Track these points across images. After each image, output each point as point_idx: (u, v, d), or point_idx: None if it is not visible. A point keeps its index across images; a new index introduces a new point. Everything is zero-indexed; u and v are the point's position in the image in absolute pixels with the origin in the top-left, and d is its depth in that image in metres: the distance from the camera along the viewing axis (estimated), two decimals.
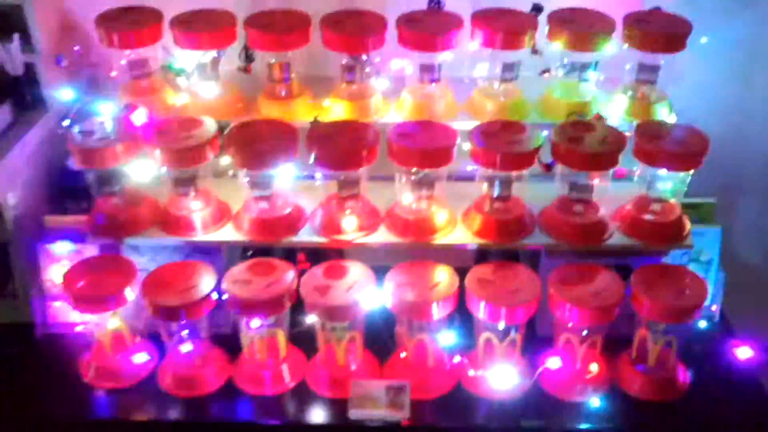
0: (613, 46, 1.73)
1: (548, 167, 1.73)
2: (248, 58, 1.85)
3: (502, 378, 1.66)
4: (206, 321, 1.69)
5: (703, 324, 1.83)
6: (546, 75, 1.83)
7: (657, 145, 1.60)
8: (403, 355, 1.70)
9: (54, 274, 1.80)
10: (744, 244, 1.98)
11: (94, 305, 1.63)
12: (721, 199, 1.86)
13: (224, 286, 1.63)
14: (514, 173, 1.66)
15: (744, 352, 1.74)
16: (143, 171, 1.67)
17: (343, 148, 1.61)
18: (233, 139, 1.63)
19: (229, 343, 1.76)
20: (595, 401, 1.66)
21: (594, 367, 1.68)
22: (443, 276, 1.64)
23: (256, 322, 1.64)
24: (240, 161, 1.61)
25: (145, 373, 1.73)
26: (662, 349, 1.67)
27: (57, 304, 1.83)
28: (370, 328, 1.70)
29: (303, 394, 1.70)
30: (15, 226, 1.79)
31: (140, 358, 1.73)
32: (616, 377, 1.70)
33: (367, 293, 1.61)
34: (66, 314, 1.82)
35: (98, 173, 1.68)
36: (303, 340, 1.73)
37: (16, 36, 1.82)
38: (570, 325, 1.63)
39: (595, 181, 1.68)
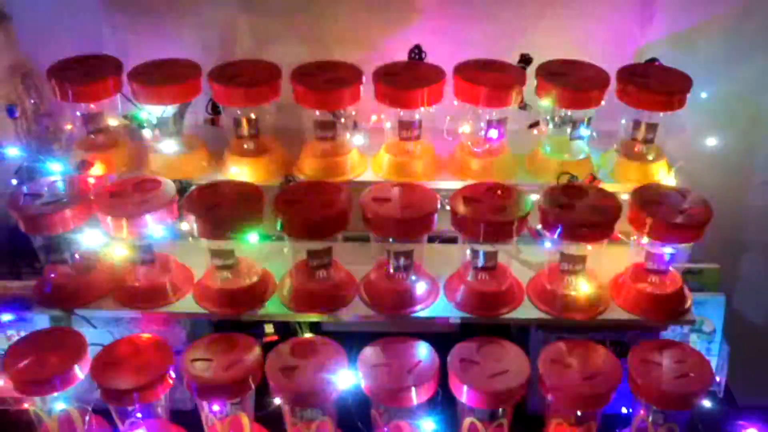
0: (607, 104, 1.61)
1: (538, 233, 1.60)
2: (215, 110, 1.71)
3: None
4: (165, 399, 1.55)
5: (707, 404, 1.69)
6: (535, 131, 1.70)
7: (655, 215, 1.46)
8: None
9: None
10: (748, 311, 1.85)
11: (38, 387, 1.48)
12: (724, 262, 1.73)
13: (183, 366, 1.48)
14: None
15: None
16: (95, 238, 1.53)
17: (312, 215, 1.47)
18: (193, 204, 1.49)
19: (190, 420, 1.62)
20: None
21: None
22: (423, 354, 1.50)
23: (217, 407, 1.49)
24: (200, 230, 1.47)
25: None
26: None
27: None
28: (342, 410, 1.55)
29: None
30: None
31: None
32: None
33: (339, 375, 1.46)
34: (9, 391, 1.66)
35: (46, 239, 1.54)
36: (270, 422, 1.58)
37: None
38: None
39: (588, 248, 1.54)
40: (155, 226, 1.48)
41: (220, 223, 1.46)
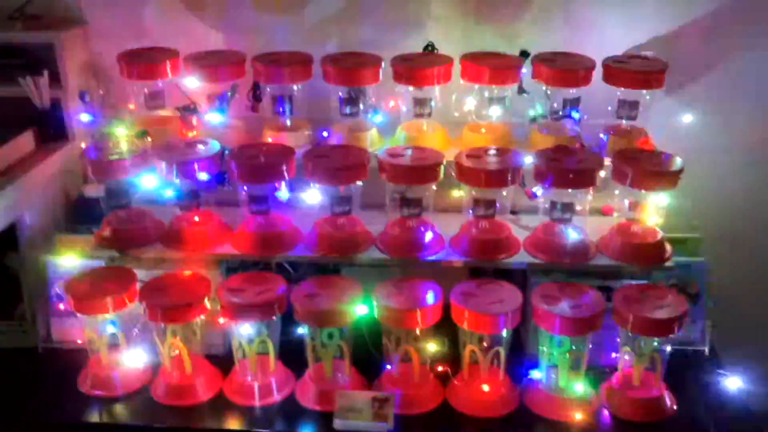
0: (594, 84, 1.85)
1: (533, 196, 1.82)
2: (256, 97, 1.99)
3: (486, 393, 1.68)
4: (200, 334, 1.75)
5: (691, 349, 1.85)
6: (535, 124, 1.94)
7: (635, 166, 1.68)
8: (388, 367, 1.73)
9: (61, 290, 1.88)
10: (730, 279, 2.00)
11: (92, 306, 1.70)
12: (708, 235, 1.92)
13: (219, 293, 1.69)
14: (496, 192, 1.73)
15: (733, 382, 1.74)
16: (150, 181, 1.78)
17: (337, 163, 1.72)
18: (235, 155, 1.75)
19: (222, 364, 1.81)
20: (579, 420, 1.66)
21: (579, 386, 1.69)
22: (429, 289, 1.70)
23: (247, 329, 1.69)
24: (240, 175, 1.72)
25: (138, 385, 1.77)
26: (646, 371, 1.69)
27: (61, 321, 1.90)
28: (359, 349, 1.74)
29: (291, 407, 1.73)
30: (28, 244, 1.90)
31: (135, 369, 1.78)
32: (602, 399, 1.71)
33: (355, 300, 1.66)
34: (69, 331, 1.89)
35: (109, 185, 1.79)
36: (293, 360, 1.77)
37: (45, 72, 1.98)
38: (555, 338, 1.65)
39: (578, 204, 1.75)
40: (201, 174, 1.73)
41: (258, 167, 1.71)
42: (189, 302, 1.68)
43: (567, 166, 1.69)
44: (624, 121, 1.91)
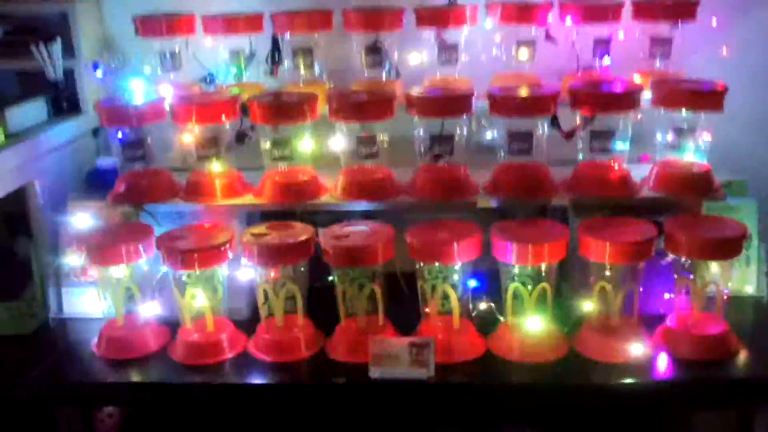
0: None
1: (569, 135, 1.73)
2: (275, 59, 1.92)
3: (533, 337, 1.55)
4: (221, 292, 1.64)
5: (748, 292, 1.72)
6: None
7: (675, 87, 1.60)
8: (426, 311, 1.60)
9: (72, 257, 1.77)
10: None
11: (107, 257, 1.59)
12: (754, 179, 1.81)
13: (243, 238, 1.59)
14: (530, 123, 1.65)
15: None
16: (165, 132, 1.70)
17: (362, 99, 1.64)
18: (256, 99, 1.67)
19: (245, 329, 1.68)
20: (634, 361, 1.52)
21: (632, 327, 1.56)
22: (466, 227, 1.59)
23: (272, 273, 1.58)
24: (262, 116, 1.64)
25: (156, 347, 1.65)
26: (704, 312, 1.56)
27: (72, 292, 1.79)
28: (393, 304, 1.62)
29: (321, 360, 1.59)
30: (39, 212, 1.81)
31: (152, 330, 1.66)
32: (657, 340, 1.58)
33: (386, 238, 1.56)
34: (80, 303, 1.78)
35: (124, 134, 1.72)
36: (322, 297, 1.65)
37: (58, 40, 1.93)
38: (605, 269, 1.53)
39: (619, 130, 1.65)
40: (220, 118, 1.65)
41: (280, 107, 1.63)
42: (210, 246, 1.57)
43: (606, 90, 1.60)
44: (657, 62, 1.84)
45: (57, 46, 1.93)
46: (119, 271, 1.63)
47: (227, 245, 1.59)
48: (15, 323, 1.78)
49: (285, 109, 1.64)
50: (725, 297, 1.57)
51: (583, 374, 1.52)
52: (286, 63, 1.89)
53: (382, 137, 1.68)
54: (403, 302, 1.64)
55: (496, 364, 1.56)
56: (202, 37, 1.89)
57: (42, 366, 1.61)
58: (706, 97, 1.59)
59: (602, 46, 1.83)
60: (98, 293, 1.68)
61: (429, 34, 1.83)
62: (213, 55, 1.92)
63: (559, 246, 1.52)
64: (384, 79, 1.87)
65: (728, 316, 1.58)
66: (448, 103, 1.63)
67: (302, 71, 1.88)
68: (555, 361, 1.55)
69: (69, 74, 1.98)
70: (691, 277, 1.56)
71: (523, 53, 1.84)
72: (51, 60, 1.94)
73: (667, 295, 1.64)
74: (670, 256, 1.56)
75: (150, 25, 1.85)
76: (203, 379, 1.55)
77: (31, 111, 1.89)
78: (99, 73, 1.99)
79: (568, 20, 1.80)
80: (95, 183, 1.92)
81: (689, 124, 1.65)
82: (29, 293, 1.83)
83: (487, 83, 1.88)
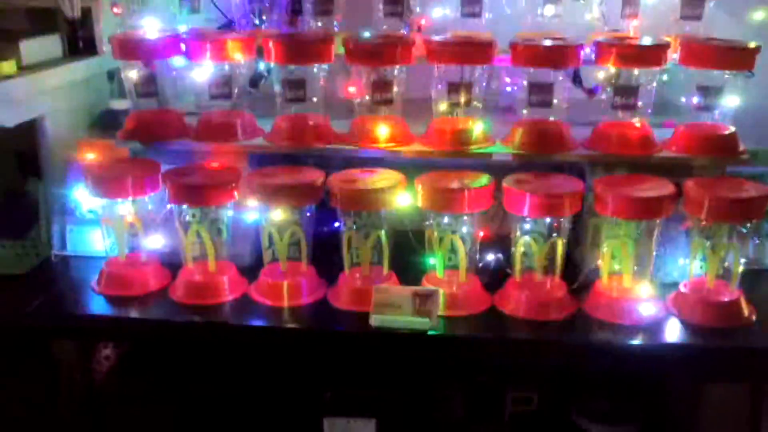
0: None
1: (592, 92, 1.68)
2: (294, 8, 1.87)
3: (542, 294, 1.50)
4: (225, 233, 1.61)
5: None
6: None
7: (704, 44, 1.54)
8: (431, 262, 1.56)
9: (79, 193, 1.75)
10: None
11: (111, 189, 1.57)
12: None
13: (250, 178, 1.55)
14: (552, 74, 1.59)
15: None
16: (180, 61, 1.67)
17: (378, 44, 1.60)
18: (272, 36, 1.63)
19: (248, 274, 1.65)
20: (641, 324, 1.47)
21: (643, 289, 1.51)
22: (478, 177, 1.54)
23: (279, 214, 1.54)
24: (277, 55, 1.60)
25: (157, 285, 1.62)
26: (720, 280, 1.50)
27: (77, 230, 1.77)
28: (399, 256, 1.58)
29: (324, 307, 1.56)
30: (49, 148, 1.79)
31: (154, 269, 1.63)
32: (669, 305, 1.52)
33: (397, 186, 1.51)
34: (85, 241, 1.76)
35: (138, 70, 1.69)
36: (329, 244, 1.62)
37: None
38: (620, 227, 1.48)
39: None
40: (235, 54, 1.62)
41: (297, 46, 1.60)
42: (215, 184, 1.54)
43: (630, 45, 1.55)
44: (688, 26, 1.77)
45: None
46: (124, 207, 1.60)
47: (234, 184, 1.56)
48: (17, 262, 1.77)
49: (300, 47, 1.60)
50: (741, 266, 1.51)
51: (587, 334, 1.47)
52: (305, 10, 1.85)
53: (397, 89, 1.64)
54: (411, 260, 1.60)
55: (501, 320, 1.51)
56: None
57: (40, 299, 1.58)
58: (736, 56, 1.53)
59: (631, 5, 1.76)
60: (102, 230, 1.65)
61: None
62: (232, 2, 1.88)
63: (574, 199, 1.47)
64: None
65: (745, 287, 1.52)
66: (469, 50, 1.58)
67: (320, 23, 1.83)
68: (562, 320, 1.50)
69: (86, 12, 1.96)
70: (708, 243, 1.50)
71: (549, 9, 1.78)
72: None
73: (682, 260, 1.58)
74: (689, 221, 1.51)
75: None
76: (201, 319, 1.52)
77: (45, 46, 1.86)
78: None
79: None
80: (107, 124, 1.90)
81: (716, 88, 1.59)
82: (35, 233, 1.82)
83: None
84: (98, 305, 1.57)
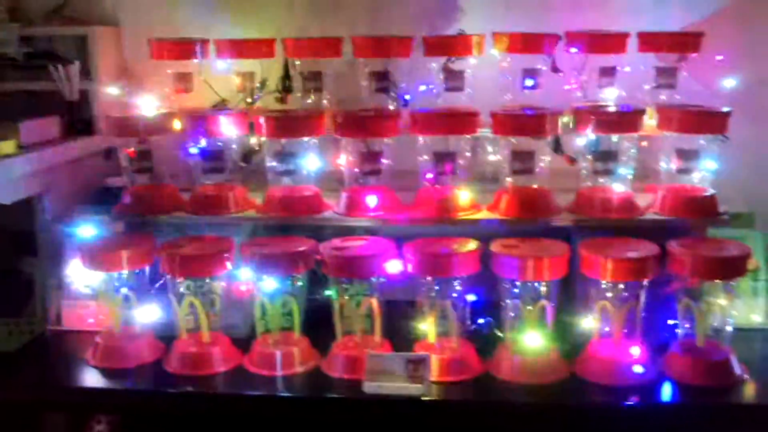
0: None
1: (573, 160, 1.73)
2: (286, 87, 1.95)
3: (533, 358, 1.51)
4: (219, 305, 1.63)
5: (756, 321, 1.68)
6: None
7: (679, 110, 1.61)
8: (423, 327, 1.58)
9: (74, 269, 1.77)
10: None
11: (106, 261, 1.60)
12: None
13: (244, 248, 1.59)
14: (533, 143, 1.65)
15: None
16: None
17: (366, 117, 1.66)
18: (263, 114, 1.70)
19: (244, 347, 1.66)
20: (636, 385, 1.48)
21: (635, 350, 1.52)
22: (466, 243, 1.58)
23: (271, 283, 1.57)
24: (270, 130, 1.66)
25: (151, 358, 1.63)
26: (710, 340, 1.53)
27: (72, 306, 1.79)
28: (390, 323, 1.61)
29: (317, 376, 1.57)
30: (45, 225, 1.83)
31: (148, 342, 1.64)
32: (660, 365, 1.54)
33: (388, 254, 1.55)
34: (80, 317, 1.78)
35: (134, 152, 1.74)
36: (320, 310, 1.63)
37: (76, 63, 1.99)
38: (605, 287, 1.51)
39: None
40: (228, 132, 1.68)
41: (285, 121, 1.67)
42: (209, 255, 1.57)
43: (608, 112, 1.61)
44: (663, 95, 1.84)
45: (75, 68, 1.98)
46: (118, 280, 1.63)
47: (226, 254, 1.59)
48: (12, 339, 1.78)
49: (291, 122, 1.66)
50: (730, 325, 1.53)
51: (581, 396, 1.48)
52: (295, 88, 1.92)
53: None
54: (403, 328, 1.62)
55: (494, 384, 1.52)
56: (215, 61, 1.93)
57: (34, 371, 1.59)
58: (710, 120, 1.59)
59: (607, 74, 1.83)
60: (96, 303, 1.67)
61: (437, 62, 1.85)
62: (225, 82, 1.95)
63: (561, 262, 1.51)
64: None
65: (735, 345, 1.55)
66: (453, 121, 1.64)
67: (311, 98, 1.90)
68: (554, 383, 1.51)
69: (85, 94, 2.03)
70: (695, 304, 1.53)
71: (529, 82, 1.85)
72: (69, 81, 1.99)
73: (671, 321, 1.60)
74: (675, 282, 1.54)
75: (163, 48, 1.88)
76: (196, 389, 1.53)
77: (44, 127, 1.92)
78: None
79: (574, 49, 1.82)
80: (103, 201, 1.94)
81: (694, 152, 1.65)
82: (30, 309, 1.84)
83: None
84: (91, 378, 1.58)
